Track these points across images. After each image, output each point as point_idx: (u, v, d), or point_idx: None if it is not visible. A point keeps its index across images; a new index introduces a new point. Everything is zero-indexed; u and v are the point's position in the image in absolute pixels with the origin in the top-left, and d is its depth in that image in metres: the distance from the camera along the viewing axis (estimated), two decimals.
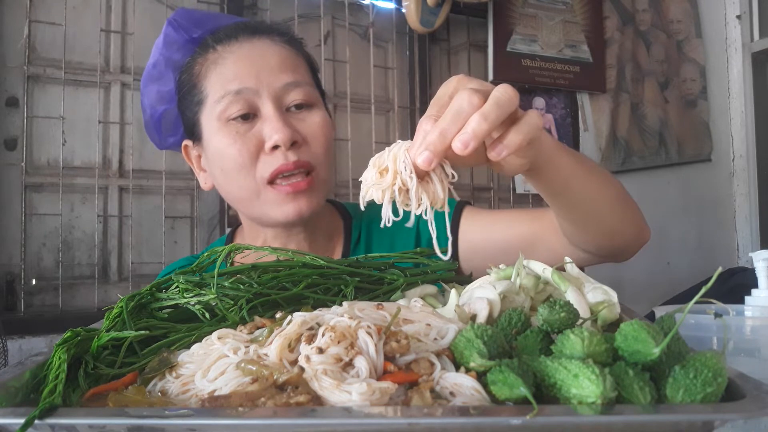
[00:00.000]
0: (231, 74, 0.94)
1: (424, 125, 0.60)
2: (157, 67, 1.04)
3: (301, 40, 1.05)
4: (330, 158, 0.99)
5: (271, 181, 0.93)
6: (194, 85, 0.98)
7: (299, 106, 0.95)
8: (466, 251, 1.02)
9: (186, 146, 1.04)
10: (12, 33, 2.02)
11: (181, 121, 1.05)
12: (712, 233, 3.24)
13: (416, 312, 0.59)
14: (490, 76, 2.81)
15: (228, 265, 0.70)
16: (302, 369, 0.48)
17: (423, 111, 2.72)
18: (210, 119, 0.95)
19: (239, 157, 0.91)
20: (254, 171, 0.92)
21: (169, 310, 0.64)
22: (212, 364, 0.52)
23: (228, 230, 1.16)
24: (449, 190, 0.63)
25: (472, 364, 0.49)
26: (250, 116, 0.93)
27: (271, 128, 0.91)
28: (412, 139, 0.61)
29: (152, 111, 1.06)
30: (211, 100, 0.95)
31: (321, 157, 0.96)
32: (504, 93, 0.58)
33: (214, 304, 0.62)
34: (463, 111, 0.57)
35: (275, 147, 0.91)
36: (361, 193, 0.63)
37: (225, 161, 0.93)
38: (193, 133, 1.00)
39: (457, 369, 0.50)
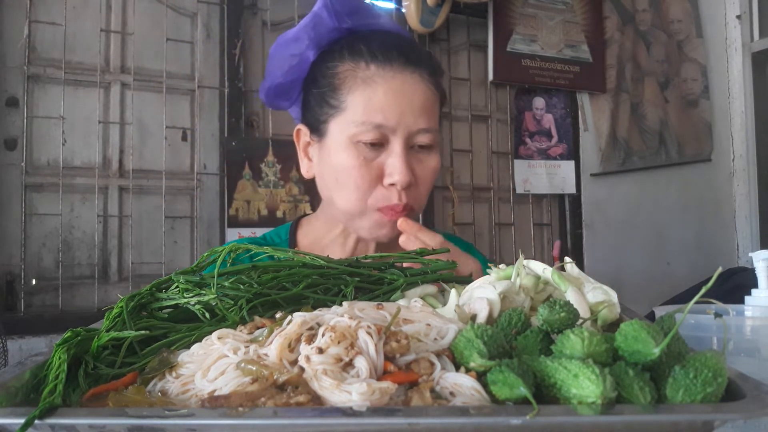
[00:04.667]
0: (377, 105, 0.98)
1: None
2: (299, 43, 1.05)
3: (443, 74, 1.10)
4: (427, 197, 1.07)
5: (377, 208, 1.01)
6: (335, 89, 1.01)
7: (422, 147, 1.02)
8: None
9: (299, 130, 1.09)
10: (12, 33, 2.02)
11: (300, 95, 1.10)
12: (712, 233, 3.24)
13: (416, 312, 0.59)
14: (491, 76, 2.81)
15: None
16: (302, 369, 0.48)
17: None
18: (340, 132, 0.99)
19: (359, 180, 0.98)
20: (368, 197, 1.00)
21: (169, 310, 0.64)
22: (212, 364, 0.52)
23: (288, 222, 1.21)
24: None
25: (472, 364, 0.49)
26: (378, 145, 0.99)
27: (394, 167, 0.98)
28: None
29: (275, 78, 1.09)
30: (349, 117, 0.99)
31: (423, 199, 1.05)
32: None
33: (214, 304, 0.62)
34: None
35: (392, 184, 0.99)
36: None
37: (344, 178, 1.00)
38: (316, 127, 1.04)
39: (457, 369, 0.50)
